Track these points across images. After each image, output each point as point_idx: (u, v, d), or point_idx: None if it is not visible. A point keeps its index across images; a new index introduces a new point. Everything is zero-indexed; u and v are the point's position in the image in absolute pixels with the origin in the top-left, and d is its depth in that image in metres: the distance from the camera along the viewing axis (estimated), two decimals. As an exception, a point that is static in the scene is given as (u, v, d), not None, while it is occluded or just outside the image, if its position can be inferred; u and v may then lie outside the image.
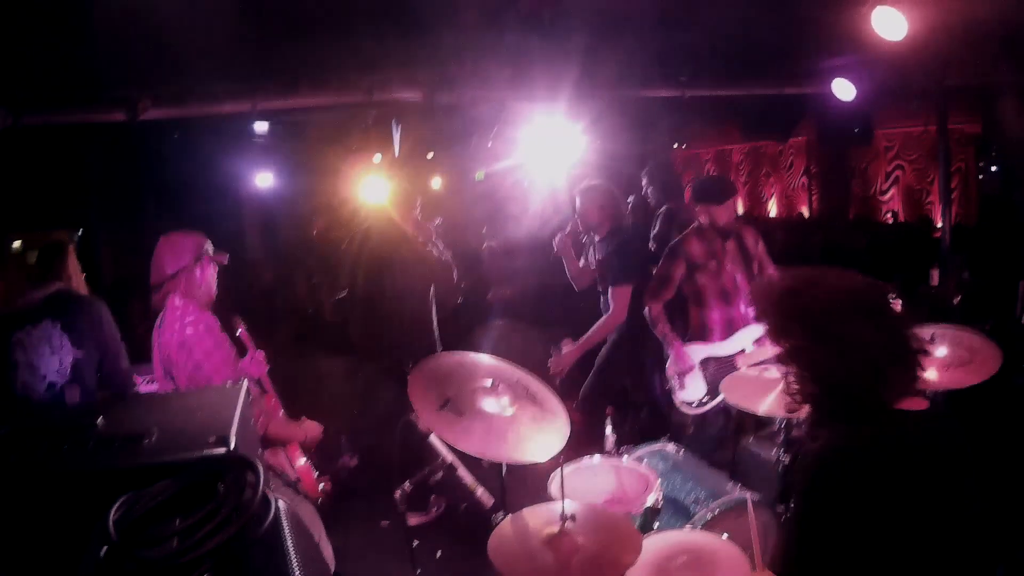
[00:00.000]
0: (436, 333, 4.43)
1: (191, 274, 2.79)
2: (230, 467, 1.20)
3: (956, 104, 6.02)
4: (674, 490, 2.93)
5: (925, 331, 2.81)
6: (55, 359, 2.77)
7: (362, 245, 4.47)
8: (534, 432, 2.33)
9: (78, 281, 3.09)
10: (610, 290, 4.31)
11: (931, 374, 2.63)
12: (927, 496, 1.43)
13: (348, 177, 5.78)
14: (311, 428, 3.01)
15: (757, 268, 4.12)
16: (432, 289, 4.38)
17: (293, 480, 2.82)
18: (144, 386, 3.81)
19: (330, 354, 5.34)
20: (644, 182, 5.20)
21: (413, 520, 4.15)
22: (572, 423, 2.41)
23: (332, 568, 2.77)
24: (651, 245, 5.04)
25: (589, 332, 4.35)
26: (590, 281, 4.66)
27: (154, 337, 2.81)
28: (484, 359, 2.57)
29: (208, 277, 2.85)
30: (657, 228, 5.06)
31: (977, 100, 6.28)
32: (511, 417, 2.36)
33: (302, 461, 2.89)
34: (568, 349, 4.31)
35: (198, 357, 2.64)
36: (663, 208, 5.08)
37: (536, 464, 2.26)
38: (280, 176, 8.00)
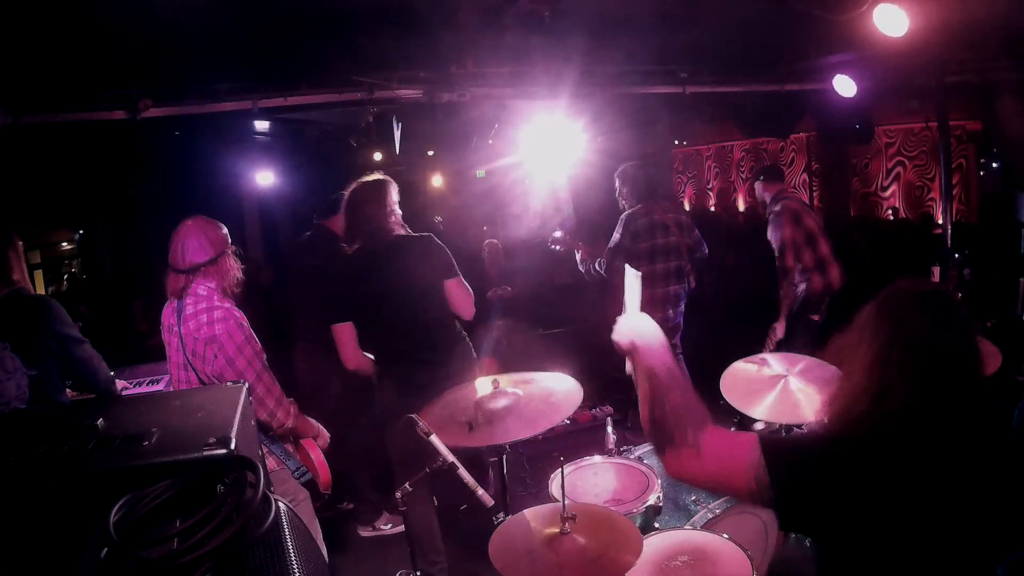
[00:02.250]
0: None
1: (225, 259, 2.68)
2: (231, 467, 1.20)
3: (957, 101, 6.01)
4: (674, 489, 2.93)
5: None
6: (12, 384, 2.68)
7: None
8: (554, 392, 2.53)
9: (20, 274, 2.87)
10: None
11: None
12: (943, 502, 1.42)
13: (349, 176, 5.79)
14: (323, 433, 2.97)
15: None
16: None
17: (309, 475, 2.79)
18: (145, 387, 3.82)
19: (330, 354, 5.33)
20: (617, 183, 4.86)
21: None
22: (575, 420, 2.50)
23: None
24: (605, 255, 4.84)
25: None
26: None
27: (169, 323, 2.70)
28: (468, 391, 2.65)
29: (235, 267, 2.75)
30: (613, 233, 4.76)
31: (978, 97, 6.27)
32: (526, 395, 2.53)
33: (317, 454, 2.87)
34: None
35: (230, 352, 2.58)
36: (624, 212, 4.78)
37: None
38: (280, 175, 8.00)
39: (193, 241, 2.66)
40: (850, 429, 1.50)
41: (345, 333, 3.19)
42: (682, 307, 5.00)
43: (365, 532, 4.22)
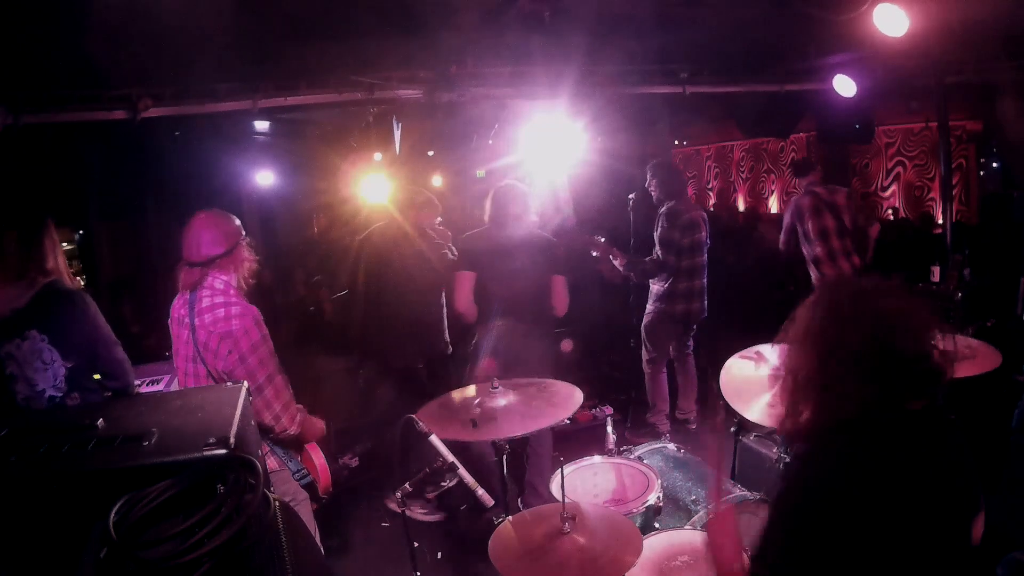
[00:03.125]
0: (446, 334, 4.41)
1: (240, 250, 2.70)
2: (231, 467, 1.20)
3: (957, 101, 6.01)
4: (674, 489, 2.93)
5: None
6: (49, 374, 2.67)
7: (363, 244, 4.47)
8: (551, 398, 2.62)
9: (55, 264, 2.83)
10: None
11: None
12: (918, 501, 1.40)
13: (348, 176, 5.77)
14: (320, 424, 2.99)
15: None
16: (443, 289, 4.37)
17: (309, 477, 2.79)
18: (145, 387, 3.81)
19: (330, 354, 5.34)
20: (648, 175, 5.20)
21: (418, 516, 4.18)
22: (575, 420, 2.58)
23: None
24: (657, 251, 5.07)
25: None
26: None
27: (179, 314, 2.70)
28: (468, 391, 2.76)
29: (250, 257, 2.76)
30: (659, 229, 5.05)
31: (978, 97, 6.27)
32: (522, 397, 2.61)
33: (321, 458, 2.87)
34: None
35: (244, 349, 2.56)
36: (665, 208, 5.07)
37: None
38: (280, 175, 7.99)
39: (208, 234, 2.66)
40: (805, 449, 1.49)
41: (467, 280, 3.91)
42: None
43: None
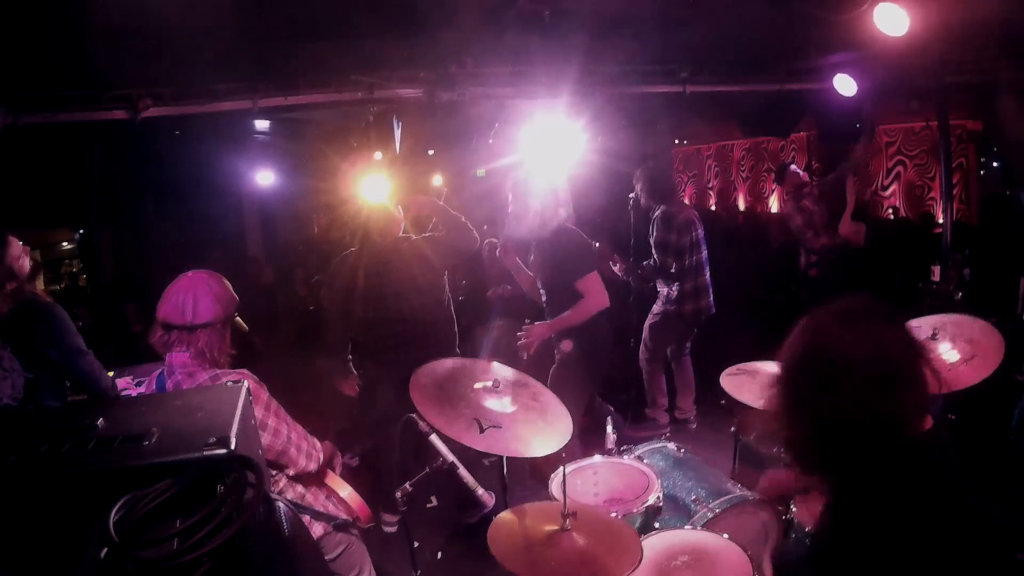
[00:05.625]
0: (455, 327, 4.26)
1: (221, 331, 2.32)
2: (231, 467, 1.20)
3: (957, 101, 6.01)
4: (674, 489, 2.93)
5: (926, 328, 2.82)
6: (7, 383, 2.68)
7: (362, 244, 4.43)
8: (539, 427, 2.41)
9: (23, 276, 2.85)
10: (581, 281, 3.92)
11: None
12: (937, 524, 1.40)
13: (349, 176, 5.77)
14: (328, 448, 2.64)
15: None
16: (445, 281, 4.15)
17: (345, 519, 2.54)
18: (145, 388, 3.81)
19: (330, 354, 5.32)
20: (634, 179, 5.23)
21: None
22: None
23: None
24: (654, 256, 5.09)
25: (565, 314, 3.91)
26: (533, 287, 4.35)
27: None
28: (479, 363, 2.65)
29: (226, 344, 2.38)
30: (655, 233, 5.06)
31: (978, 97, 6.26)
32: (515, 414, 2.43)
33: (347, 491, 2.58)
34: (539, 324, 3.97)
35: (260, 416, 2.21)
36: (658, 212, 5.07)
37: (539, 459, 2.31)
38: (280, 175, 8.00)
39: (201, 298, 2.29)
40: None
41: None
42: None
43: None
